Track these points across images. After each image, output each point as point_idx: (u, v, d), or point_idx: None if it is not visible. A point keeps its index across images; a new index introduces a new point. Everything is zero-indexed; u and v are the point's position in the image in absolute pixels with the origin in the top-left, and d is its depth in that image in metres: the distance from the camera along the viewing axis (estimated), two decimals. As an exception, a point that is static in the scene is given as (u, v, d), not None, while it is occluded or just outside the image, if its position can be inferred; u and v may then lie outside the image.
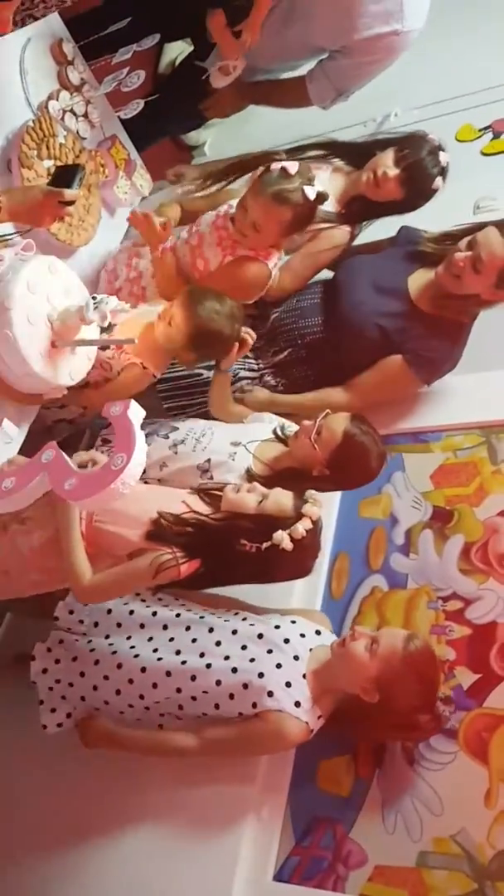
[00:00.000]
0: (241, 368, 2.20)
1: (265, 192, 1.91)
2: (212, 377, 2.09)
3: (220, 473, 1.87)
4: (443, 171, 2.17)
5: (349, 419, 1.84)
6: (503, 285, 2.00)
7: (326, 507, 1.77)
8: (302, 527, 1.59)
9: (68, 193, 1.58)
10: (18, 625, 2.36)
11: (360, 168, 2.25)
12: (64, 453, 1.46)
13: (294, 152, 2.19)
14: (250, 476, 1.85)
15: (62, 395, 1.76)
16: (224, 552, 1.64)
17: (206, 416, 2.13)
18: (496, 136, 2.85)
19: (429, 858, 1.64)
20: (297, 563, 1.66)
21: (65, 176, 1.66)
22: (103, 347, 1.87)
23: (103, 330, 1.70)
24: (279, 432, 2.00)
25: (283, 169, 1.91)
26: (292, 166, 1.92)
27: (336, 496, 2.17)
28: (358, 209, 2.28)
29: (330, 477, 1.85)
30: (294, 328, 2.25)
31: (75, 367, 1.71)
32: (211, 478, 1.87)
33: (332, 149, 2.30)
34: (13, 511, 1.60)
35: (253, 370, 2.25)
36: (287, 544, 1.58)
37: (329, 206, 2.25)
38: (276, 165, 1.93)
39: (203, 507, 1.70)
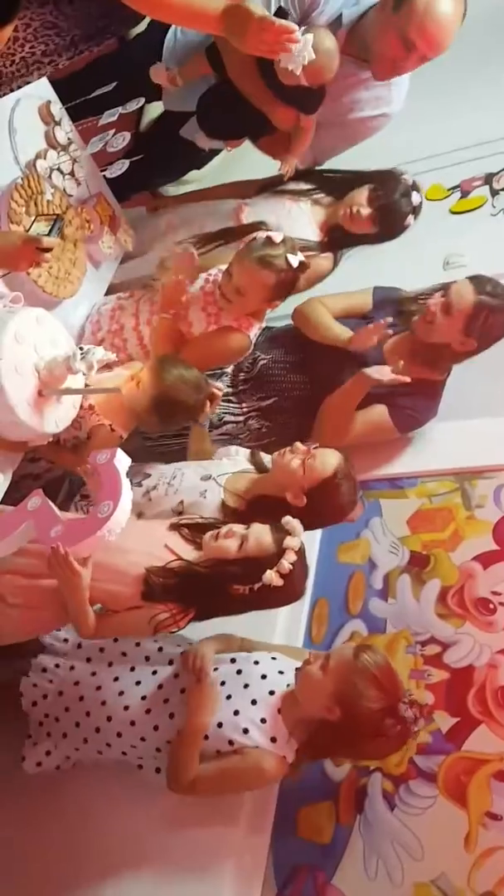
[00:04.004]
0: (225, 413, 2.26)
1: (250, 256, 2.01)
2: (191, 430, 2.17)
3: (193, 512, 1.89)
4: (415, 210, 2.28)
5: (341, 458, 1.84)
6: (471, 333, 2.09)
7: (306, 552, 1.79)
8: (287, 561, 1.62)
9: (46, 240, 1.65)
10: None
11: (339, 199, 2.35)
12: (49, 500, 1.49)
13: (274, 183, 2.28)
14: (225, 509, 1.87)
15: (42, 446, 1.79)
16: (217, 596, 1.67)
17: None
18: (464, 195, 2.98)
19: (410, 905, 1.65)
20: (288, 591, 1.69)
21: None
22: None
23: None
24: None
25: (269, 237, 2.02)
26: (277, 235, 2.03)
27: (315, 542, 2.20)
28: (338, 238, 2.38)
29: (303, 509, 1.81)
30: (282, 380, 2.32)
31: (61, 416, 1.75)
32: None
33: (312, 180, 2.40)
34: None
35: (235, 414, 2.31)
36: (277, 581, 1.61)
37: (312, 235, 2.35)
38: (261, 234, 2.04)
39: (186, 548, 1.72)
